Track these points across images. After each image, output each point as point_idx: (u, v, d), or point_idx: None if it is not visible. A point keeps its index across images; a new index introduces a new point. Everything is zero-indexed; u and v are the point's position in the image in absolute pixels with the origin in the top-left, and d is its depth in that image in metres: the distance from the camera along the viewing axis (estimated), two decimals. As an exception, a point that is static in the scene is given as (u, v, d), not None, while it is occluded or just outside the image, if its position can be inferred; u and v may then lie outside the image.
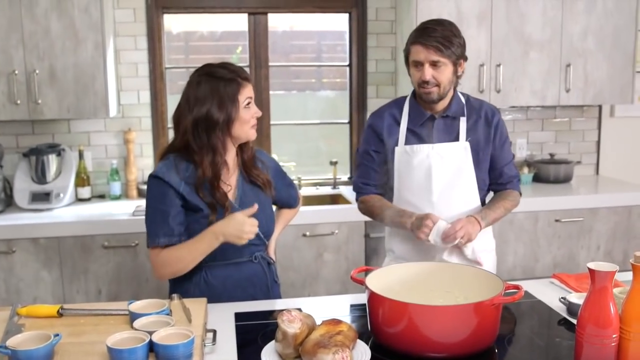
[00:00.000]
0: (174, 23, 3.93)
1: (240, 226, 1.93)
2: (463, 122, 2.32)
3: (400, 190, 2.35)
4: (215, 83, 1.98)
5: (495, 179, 2.41)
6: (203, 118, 1.96)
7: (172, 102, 3.92)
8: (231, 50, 4.07)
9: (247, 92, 2.01)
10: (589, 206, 3.72)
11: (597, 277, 1.41)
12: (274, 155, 3.96)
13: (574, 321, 1.80)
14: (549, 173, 4.07)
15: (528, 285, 2.09)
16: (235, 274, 2.10)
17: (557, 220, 3.66)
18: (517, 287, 1.67)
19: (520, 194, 2.47)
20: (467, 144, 2.30)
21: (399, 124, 2.35)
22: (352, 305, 2.06)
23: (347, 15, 4.03)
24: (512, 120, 4.23)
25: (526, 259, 3.66)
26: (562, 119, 4.33)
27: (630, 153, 4.45)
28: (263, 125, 4.01)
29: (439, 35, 2.17)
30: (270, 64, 3.99)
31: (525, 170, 4.07)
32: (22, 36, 3.25)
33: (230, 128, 2.00)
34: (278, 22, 4.03)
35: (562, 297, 1.95)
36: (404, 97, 2.42)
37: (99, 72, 3.35)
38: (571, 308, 1.86)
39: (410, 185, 2.32)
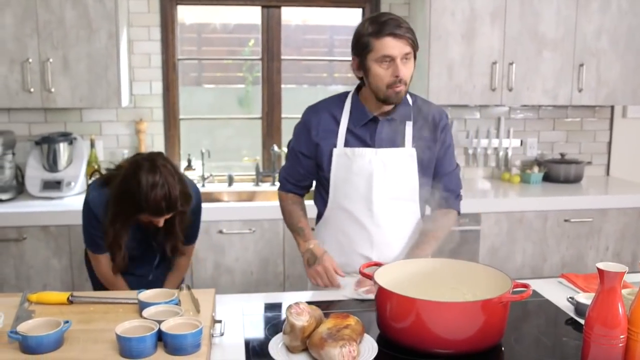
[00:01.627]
0: (187, 14, 3.94)
1: None
2: (409, 127, 2.11)
3: (336, 197, 2.15)
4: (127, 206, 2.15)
5: (433, 190, 2.18)
6: (119, 204, 2.17)
7: (184, 94, 3.94)
8: (243, 43, 4.07)
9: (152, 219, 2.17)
10: (599, 207, 3.70)
11: (606, 277, 1.41)
12: (284, 149, 3.97)
13: (582, 321, 1.80)
14: (559, 173, 4.06)
15: (536, 285, 2.09)
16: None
17: (566, 220, 3.65)
18: (525, 286, 1.67)
19: (459, 213, 2.25)
20: (414, 151, 2.10)
21: (337, 123, 2.12)
22: (357, 300, 2.06)
23: (360, 10, 4.03)
24: (523, 119, 4.22)
25: (534, 258, 3.65)
26: (574, 118, 4.31)
27: (641, 154, 4.43)
28: (274, 118, 4.02)
29: (405, 25, 1.96)
30: (282, 57, 4.00)
31: (536, 169, 4.06)
32: (36, 25, 3.27)
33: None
34: (291, 15, 4.03)
35: (570, 297, 1.95)
36: (346, 94, 2.19)
37: (112, 62, 3.36)
38: (579, 308, 1.86)
39: (348, 192, 2.12)
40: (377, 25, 1.95)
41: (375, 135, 2.09)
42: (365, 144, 2.10)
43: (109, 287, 2.37)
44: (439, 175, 2.18)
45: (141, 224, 2.21)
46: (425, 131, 2.12)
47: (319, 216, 2.28)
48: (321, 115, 2.15)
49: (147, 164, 2.11)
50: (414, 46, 1.99)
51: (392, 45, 1.93)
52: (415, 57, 2.02)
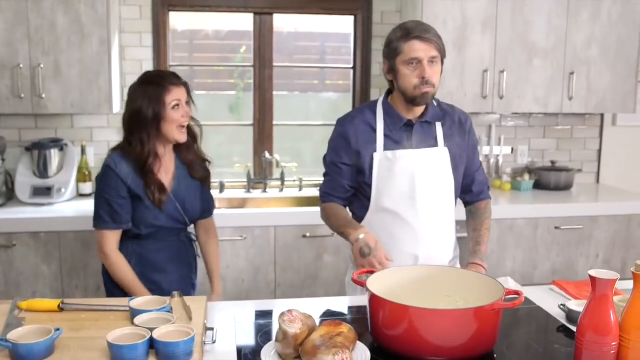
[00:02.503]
0: (179, 21, 3.94)
1: None
2: (439, 127, 2.24)
3: (379, 199, 2.21)
4: (146, 87, 2.29)
5: (468, 186, 2.35)
6: (135, 115, 2.27)
7: (176, 100, 3.92)
8: (235, 50, 4.08)
9: (174, 95, 2.28)
10: (589, 214, 3.72)
11: (598, 284, 1.42)
12: (276, 156, 3.97)
13: (573, 328, 1.81)
14: (550, 180, 4.08)
15: (527, 292, 2.09)
16: (165, 250, 2.40)
17: (557, 228, 3.67)
18: (517, 293, 1.67)
19: (490, 198, 2.43)
20: (446, 150, 2.23)
21: (374, 129, 2.21)
22: (349, 307, 2.06)
23: (352, 17, 4.04)
24: (514, 127, 4.24)
25: (525, 265, 3.66)
26: (564, 126, 4.34)
27: (631, 162, 4.46)
28: (266, 125, 4.02)
29: (433, 31, 2.09)
30: (274, 64, 4.00)
31: (526, 177, 4.08)
32: (27, 30, 3.25)
33: (159, 127, 2.29)
34: (283, 22, 4.04)
35: (561, 304, 1.96)
36: (373, 103, 2.29)
37: (103, 68, 3.35)
38: (570, 315, 1.87)
39: (391, 194, 2.19)
40: (406, 30, 2.08)
41: (412, 137, 2.20)
42: (402, 146, 2.19)
43: (119, 275, 2.30)
44: (471, 172, 2.34)
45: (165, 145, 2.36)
46: (454, 131, 2.26)
47: (360, 220, 2.30)
48: (357, 124, 2.24)
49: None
50: (441, 51, 2.10)
51: (419, 48, 2.05)
52: (442, 62, 2.14)
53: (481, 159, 4.18)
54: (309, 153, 4.24)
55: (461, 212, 2.40)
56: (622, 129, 4.42)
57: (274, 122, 4.04)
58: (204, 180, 2.52)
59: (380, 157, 2.19)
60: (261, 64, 3.98)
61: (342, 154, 2.24)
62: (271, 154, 4.01)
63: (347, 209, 2.35)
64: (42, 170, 3.49)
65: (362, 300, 1.92)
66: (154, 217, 2.33)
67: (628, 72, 3.90)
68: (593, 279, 1.42)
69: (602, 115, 4.37)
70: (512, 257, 3.62)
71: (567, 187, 4.09)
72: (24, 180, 3.48)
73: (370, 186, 2.22)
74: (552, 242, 3.68)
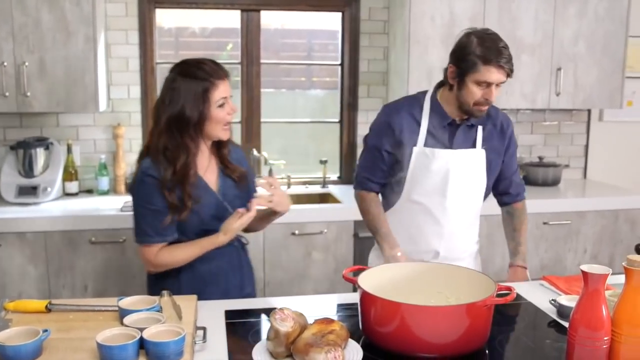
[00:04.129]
0: (165, 18, 3.91)
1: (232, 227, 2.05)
2: (480, 130, 2.30)
3: (411, 191, 2.29)
4: (188, 82, 1.99)
5: (506, 188, 2.43)
6: (175, 117, 1.98)
7: (162, 98, 3.89)
8: (222, 47, 4.05)
9: (221, 92, 2.01)
10: (577, 209, 3.74)
11: (590, 279, 1.42)
12: (264, 153, 3.95)
13: (565, 323, 1.81)
14: (538, 176, 4.09)
15: (518, 287, 2.08)
16: (217, 258, 2.14)
17: (545, 223, 3.68)
18: (509, 289, 1.67)
19: (525, 199, 2.51)
20: (483, 152, 2.29)
21: (418, 123, 2.26)
22: (339, 305, 2.05)
23: (339, 14, 4.02)
24: (501, 123, 4.25)
25: (514, 261, 3.67)
26: (552, 122, 4.35)
27: (617, 157, 4.48)
28: (253, 123, 4.00)
29: (509, 55, 2.11)
30: (261, 61, 3.98)
31: (514, 172, 4.08)
32: (12, 28, 3.21)
33: (203, 127, 2.02)
34: (270, 19, 4.02)
35: (552, 299, 1.96)
36: (422, 95, 2.32)
37: (89, 65, 3.32)
38: (561, 310, 1.87)
39: (424, 188, 2.27)
40: (487, 51, 2.08)
41: (454, 138, 2.26)
42: (443, 144, 2.25)
43: (180, 260, 2.07)
44: (509, 174, 2.42)
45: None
46: (494, 135, 2.33)
47: (389, 205, 2.39)
48: (403, 115, 2.28)
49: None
50: (510, 75, 2.14)
51: (494, 75, 2.09)
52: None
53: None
54: (297, 150, 4.22)
55: (486, 208, 2.46)
56: (609, 124, 4.44)
57: (262, 120, 4.03)
58: (242, 177, 2.21)
59: (419, 152, 2.25)
60: (248, 61, 3.96)
61: (385, 141, 2.29)
62: (259, 151, 3.99)
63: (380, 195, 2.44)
64: (27, 169, 3.46)
65: (354, 297, 1.92)
66: (202, 222, 2.07)
67: (615, 68, 3.92)
68: (585, 274, 1.42)
69: (589, 111, 4.39)
70: (500, 253, 3.62)
71: (554, 182, 4.11)
72: (9, 179, 3.44)
73: (404, 177, 2.29)
74: (540, 238, 3.69)
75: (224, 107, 2.03)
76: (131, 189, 2.10)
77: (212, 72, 2.01)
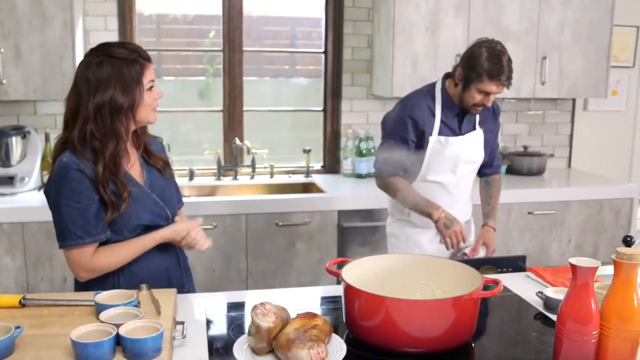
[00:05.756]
0: (145, 4, 3.82)
1: (189, 236, 1.99)
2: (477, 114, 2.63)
3: (427, 173, 2.61)
4: (117, 65, 1.84)
5: (490, 161, 2.78)
6: (106, 103, 1.82)
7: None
8: (204, 34, 3.98)
9: (150, 74, 1.90)
10: (561, 199, 3.73)
11: (579, 272, 1.38)
12: (247, 142, 3.89)
13: (551, 316, 1.79)
14: (522, 165, 4.07)
15: (503, 279, 2.05)
16: (157, 262, 2.01)
17: (529, 213, 3.67)
18: (495, 282, 1.64)
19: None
20: (482, 132, 2.65)
21: (433, 114, 2.55)
22: (323, 298, 2.01)
23: (323, 1, 3.96)
24: (486, 112, 4.22)
25: (498, 250, 3.60)
26: (536, 111, 4.34)
27: (602, 147, 4.48)
28: (236, 111, 3.94)
29: (510, 70, 2.41)
30: (244, 48, 3.91)
31: (499, 162, 4.07)
32: (-14, 13, 3.12)
33: (135, 113, 1.88)
34: (253, 6, 3.95)
35: (538, 291, 1.93)
36: (432, 87, 2.58)
37: (67, 52, 3.23)
38: (548, 302, 1.84)
39: (437, 170, 2.59)
40: (493, 68, 2.38)
41: (462, 125, 2.59)
42: (454, 132, 2.58)
43: (118, 262, 1.91)
44: (493, 149, 2.77)
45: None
46: (488, 118, 2.68)
47: None
48: (423, 108, 2.55)
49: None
50: (508, 88, 2.46)
51: (495, 87, 2.42)
52: None
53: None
54: (280, 139, 4.17)
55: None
56: (593, 113, 4.43)
57: (244, 108, 3.97)
58: (166, 166, 2.10)
59: (435, 141, 2.56)
60: (230, 48, 3.89)
61: (411, 132, 2.55)
62: (241, 140, 3.94)
63: None
64: (3, 158, 3.38)
65: (337, 290, 1.88)
66: (136, 217, 1.91)
67: (600, 57, 3.91)
68: (574, 267, 1.39)
69: (573, 100, 4.38)
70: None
71: (539, 172, 4.10)
72: (-15, 169, 3.36)
73: (421, 161, 2.59)
74: (525, 227, 3.68)
75: (153, 90, 1.92)
76: (48, 188, 1.90)
77: (141, 54, 1.89)
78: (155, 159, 2.06)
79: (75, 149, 1.83)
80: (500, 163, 2.87)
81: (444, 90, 2.56)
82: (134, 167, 1.98)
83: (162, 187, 2.03)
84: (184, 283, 2.12)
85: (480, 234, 2.68)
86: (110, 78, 1.83)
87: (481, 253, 2.60)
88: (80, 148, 1.83)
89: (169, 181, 2.10)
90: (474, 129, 2.64)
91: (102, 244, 1.89)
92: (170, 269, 2.06)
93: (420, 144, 2.57)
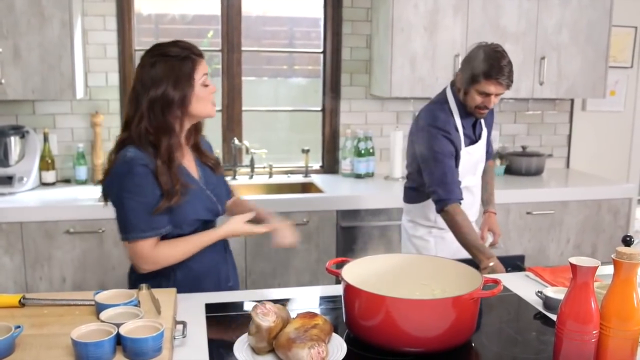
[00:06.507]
0: (144, 4, 3.82)
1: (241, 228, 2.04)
2: None
3: None
4: (170, 63, 1.90)
5: (486, 149, 2.85)
6: (159, 98, 1.88)
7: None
8: (203, 34, 3.98)
9: (202, 69, 1.95)
10: (560, 199, 3.73)
11: (579, 272, 1.39)
12: (245, 142, 3.89)
13: (551, 315, 1.79)
14: (521, 165, 4.08)
15: (503, 278, 2.06)
16: (210, 256, 2.07)
17: (528, 213, 3.67)
18: (495, 281, 1.64)
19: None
20: (485, 129, 2.76)
21: (457, 129, 2.60)
22: (322, 297, 2.01)
23: (322, 1, 3.97)
24: (485, 112, 4.23)
25: (497, 250, 3.63)
26: (535, 111, 4.34)
27: (600, 147, 4.49)
28: (234, 111, 3.94)
29: (509, 71, 2.43)
30: (242, 48, 3.91)
31: (498, 162, 4.07)
32: (-16, 13, 3.12)
33: (187, 107, 1.93)
34: (251, 6, 3.95)
35: (538, 291, 1.93)
36: (444, 99, 2.62)
37: (65, 52, 3.23)
38: (547, 302, 1.84)
39: (464, 176, 2.63)
40: (490, 68, 2.41)
41: (475, 130, 2.69)
42: (472, 140, 2.67)
43: (178, 256, 1.96)
44: (489, 140, 2.84)
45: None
46: (488, 114, 2.70)
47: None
48: (453, 126, 2.59)
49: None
50: (509, 88, 2.48)
51: (493, 88, 2.45)
52: None
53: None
54: (279, 139, 4.17)
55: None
56: (592, 113, 4.44)
57: (243, 108, 3.97)
58: (217, 164, 2.19)
59: (464, 153, 2.64)
60: (229, 48, 3.89)
61: (453, 146, 2.57)
62: (240, 140, 3.94)
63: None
64: (2, 158, 3.38)
65: (337, 289, 1.88)
66: (194, 212, 1.97)
67: (598, 57, 3.91)
68: (574, 267, 1.39)
69: (572, 101, 4.38)
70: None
71: (537, 172, 4.10)
72: (-16, 169, 3.36)
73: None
74: (523, 228, 3.68)
75: (207, 84, 1.97)
76: (110, 182, 1.93)
77: (193, 50, 1.94)
78: (206, 157, 2.14)
79: (139, 144, 1.89)
80: (492, 149, 2.96)
81: (457, 100, 2.60)
82: (190, 163, 2.06)
83: (214, 184, 2.11)
84: (229, 277, 2.19)
85: (484, 221, 2.76)
86: (163, 75, 1.89)
87: (489, 239, 2.68)
88: (142, 143, 1.90)
89: (219, 178, 2.18)
90: (482, 129, 2.74)
91: (163, 238, 1.94)
92: (219, 264, 2.14)
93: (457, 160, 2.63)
